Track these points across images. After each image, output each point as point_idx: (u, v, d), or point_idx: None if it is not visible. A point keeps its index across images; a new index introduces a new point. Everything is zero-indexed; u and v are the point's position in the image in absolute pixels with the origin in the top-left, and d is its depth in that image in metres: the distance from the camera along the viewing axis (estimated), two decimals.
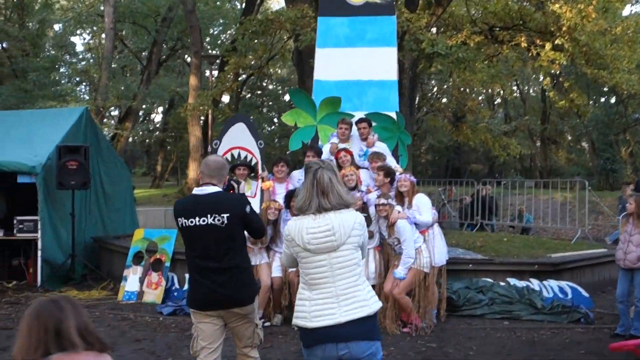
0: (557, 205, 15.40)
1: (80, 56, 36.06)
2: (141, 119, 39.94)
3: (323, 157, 8.35)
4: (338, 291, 3.45)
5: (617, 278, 7.30)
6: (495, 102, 39.32)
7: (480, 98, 35.59)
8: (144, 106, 35.14)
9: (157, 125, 43.30)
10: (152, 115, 46.23)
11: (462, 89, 17.06)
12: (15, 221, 10.72)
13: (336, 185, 3.53)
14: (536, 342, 6.99)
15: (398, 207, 7.38)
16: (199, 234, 4.31)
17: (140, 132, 39.67)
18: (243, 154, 7.95)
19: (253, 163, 7.97)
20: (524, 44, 12.47)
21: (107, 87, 24.66)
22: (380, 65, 9.16)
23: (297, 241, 3.52)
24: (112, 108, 32.26)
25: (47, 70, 26.95)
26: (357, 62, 9.19)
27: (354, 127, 8.51)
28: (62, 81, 30.38)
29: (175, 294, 9.12)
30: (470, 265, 8.79)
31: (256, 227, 4.61)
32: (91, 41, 36.75)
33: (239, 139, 7.98)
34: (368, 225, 7.40)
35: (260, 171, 7.91)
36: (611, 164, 29.16)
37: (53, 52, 31.92)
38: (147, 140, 42.77)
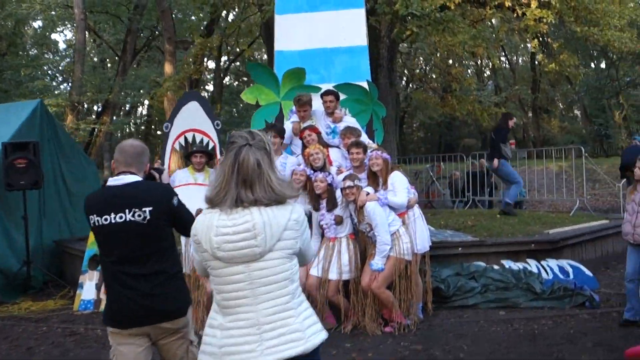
0: (552, 175, 14.47)
1: (64, 53, 35.08)
2: (127, 112, 38.99)
3: (286, 138, 7.42)
4: (260, 318, 2.51)
5: (623, 252, 6.37)
6: (485, 75, 38.42)
7: (469, 71, 34.71)
8: (127, 99, 34.17)
9: (141, 119, 42.26)
10: (140, 109, 45.13)
11: (446, 58, 16.06)
12: None
13: (266, 171, 2.56)
14: (536, 335, 6.08)
15: (368, 188, 6.44)
16: (115, 234, 3.43)
17: (125, 126, 38.53)
18: (199, 137, 6.94)
19: (210, 147, 6.99)
20: (507, 3, 11.47)
21: (81, 81, 23.82)
22: (347, 30, 8.13)
23: (204, 245, 2.57)
24: (92, 102, 31.29)
25: (26, 68, 26.04)
26: (322, 28, 8.15)
27: (319, 102, 7.56)
28: (46, 79, 29.51)
29: None
30: (460, 249, 7.88)
31: (186, 223, 3.59)
32: (73, 38, 35.76)
33: (192, 120, 6.95)
34: (332, 209, 6.51)
35: (218, 156, 6.94)
36: (605, 130, 28.35)
37: (35, 51, 30.93)
38: (130, 134, 41.70)
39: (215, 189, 2.58)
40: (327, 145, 7.19)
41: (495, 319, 6.73)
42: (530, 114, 34.68)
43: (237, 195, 2.53)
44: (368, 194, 6.35)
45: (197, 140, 6.98)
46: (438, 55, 14.23)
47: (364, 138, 7.33)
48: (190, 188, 6.85)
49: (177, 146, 6.96)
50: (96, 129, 26.18)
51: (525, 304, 7.17)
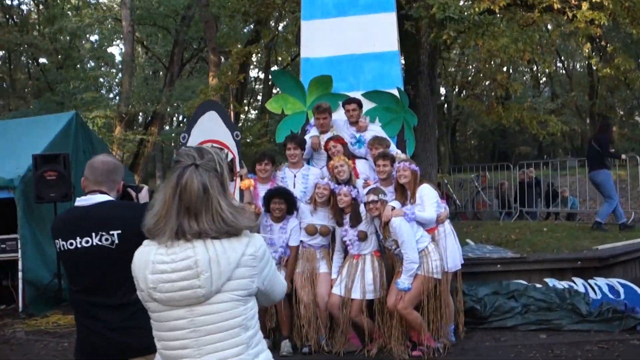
0: None
1: (120, 66, 35.85)
2: (175, 123, 39.37)
3: (305, 154, 7.07)
4: None
5: None
6: (541, 81, 37.27)
7: (525, 78, 33.69)
8: (177, 110, 34.48)
9: None
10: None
11: (494, 64, 15.39)
12: None
13: (215, 197, 2.11)
14: None
15: (394, 203, 6.02)
16: (81, 261, 3.06)
17: (173, 136, 38.91)
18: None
19: (229, 159, 6.70)
20: (557, 5, 10.84)
21: (130, 93, 24.14)
22: (377, 35, 7.69)
23: (140, 283, 2.17)
24: (141, 114, 31.71)
25: (75, 80, 26.59)
26: (350, 34, 7.73)
27: (340, 112, 7.20)
28: (102, 92, 30.22)
29: None
30: (499, 266, 7.35)
31: None
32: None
33: (211, 131, 6.67)
34: (355, 225, 6.11)
35: (237, 168, 6.63)
36: None
37: (92, 64, 31.57)
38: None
39: (154, 218, 2.16)
40: (353, 157, 6.80)
41: (535, 342, 6.20)
42: (587, 121, 33.40)
43: (179, 225, 2.09)
44: (394, 208, 5.93)
45: None
46: (483, 61, 13.58)
47: (393, 149, 6.92)
48: None
49: None
50: (144, 140, 26.44)
51: (570, 326, 6.60)
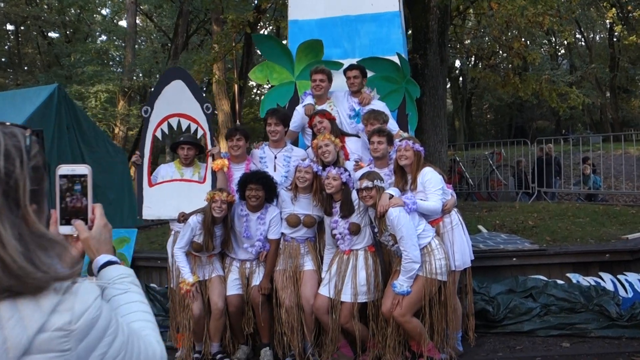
0: (632, 161, 12.59)
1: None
2: None
3: (293, 125, 6.10)
4: None
5: None
6: (560, 53, 35.85)
7: (542, 50, 32.35)
8: None
9: None
10: None
11: (507, 32, 14.23)
12: None
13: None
14: None
15: (391, 190, 5.06)
16: None
17: None
18: (185, 123, 5.69)
19: (199, 136, 5.77)
20: None
21: (133, 66, 23.46)
22: None
23: None
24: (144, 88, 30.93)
25: (81, 54, 25.97)
26: None
27: (341, 77, 6.21)
28: (111, 66, 29.54)
29: None
30: (515, 260, 6.39)
31: None
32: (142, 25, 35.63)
33: (177, 103, 5.68)
34: (347, 215, 5.20)
35: (209, 146, 5.71)
36: None
37: (103, 38, 30.95)
38: None
39: None
40: (342, 135, 5.84)
41: (557, 353, 5.28)
42: (608, 94, 32.04)
43: None
44: (392, 196, 4.98)
45: (184, 128, 5.74)
46: (498, 29, 12.44)
47: (393, 125, 5.95)
48: (175, 185, 5.70)
49: (159, 135, 5.77)
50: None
51: (597, 332, 5.69)
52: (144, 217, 5.79)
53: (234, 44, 12.94)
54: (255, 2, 23.94)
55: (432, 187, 5.08)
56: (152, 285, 7.07)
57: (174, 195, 5.61)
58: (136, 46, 34.02)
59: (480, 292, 6.06)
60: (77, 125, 10.58)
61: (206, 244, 5.28)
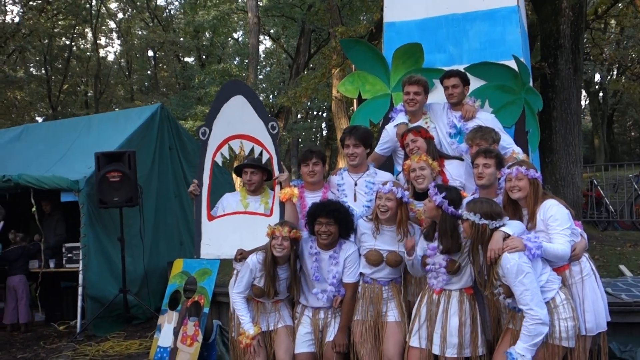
0: None
1: (263, 62, 35.89)
2: (313, 116, 38.89)
3: (380, 148, 5.13)
4: None
5: None
6: None
7: None
8: (308, 103, 33.78)
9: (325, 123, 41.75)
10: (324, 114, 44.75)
11: None
12: (64, 249, 8.94)
13: None
14: None
15: (509, 227, 3.89)
16: None
17: (303, 133, 38.08)
18: (248, 145, 4.91)
19: (265, 160, 4.96)
20: None
21: (255, 87, 23.82)
22: None
23: None
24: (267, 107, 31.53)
25: (205, 75, 26.83)
26: None
27: (438, 94, 5.17)
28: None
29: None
30: None
31: None
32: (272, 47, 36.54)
33: (239, 123, 4.89)
34: (451, 251, 4.12)
35: (276, 172, 4.89)
36: None
37: (238, 59, 32.24)
38: (313, 139, 41.35)
39: None
40: (441, 158, 4.79)
41: None
42: None
43: None
44: (508, 236, 3.82)
45: (247, 151, 4.95)
46: None
47: (508, 143, 4.83)
48: (238, 218, 4.93)
49: (218, 160, 5.03)
50: None
51: None
52: (201, 256, 5.09)
53: (343, 60, 12.17)
54: (364, 15, 23.44)
55: (557, 226, 3.88)
56: None
57: (236, 230, 4.84)
58: (268, 68, 34.92)
59: (621, 358, 4.75)
60: (181, 145, 10.38)
61: (267, 288, 4.41)
